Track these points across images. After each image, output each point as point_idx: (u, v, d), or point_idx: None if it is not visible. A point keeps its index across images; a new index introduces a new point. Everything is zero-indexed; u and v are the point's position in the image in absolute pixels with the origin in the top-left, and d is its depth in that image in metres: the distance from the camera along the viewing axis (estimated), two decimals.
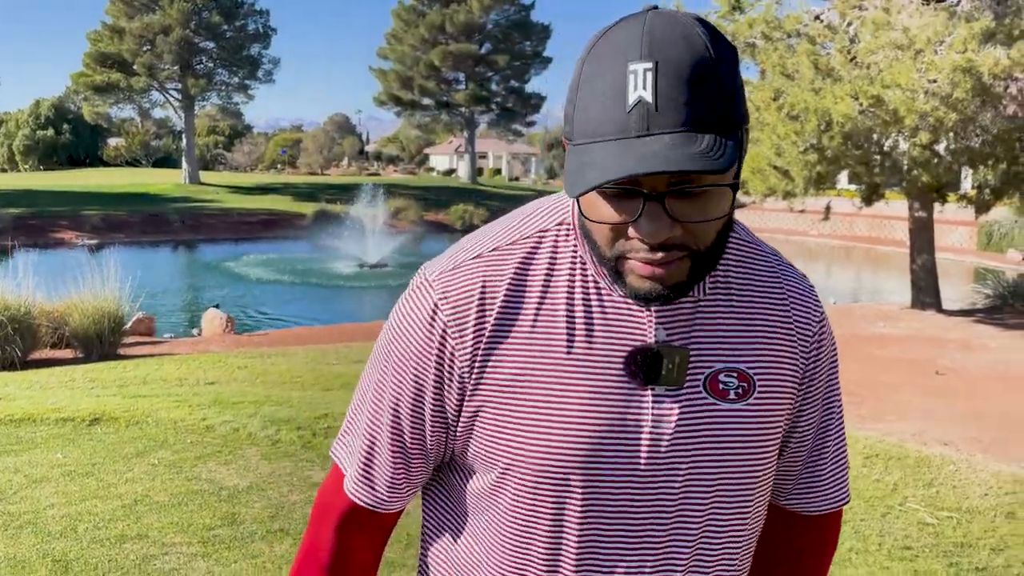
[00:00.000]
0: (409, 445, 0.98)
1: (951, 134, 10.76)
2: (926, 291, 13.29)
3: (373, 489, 1.01)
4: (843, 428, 1.10)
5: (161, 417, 5.88)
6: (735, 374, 0.95)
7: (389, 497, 1.02)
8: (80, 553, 3.73)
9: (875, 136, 11.30)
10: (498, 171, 67.08)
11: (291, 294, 18.62)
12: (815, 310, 1.03)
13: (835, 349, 1.07)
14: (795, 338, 1.01)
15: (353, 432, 1.03)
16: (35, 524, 4.05)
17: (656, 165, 0.80)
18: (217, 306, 15.45)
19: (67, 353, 10.44)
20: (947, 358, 9.88)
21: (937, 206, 13.09)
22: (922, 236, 13.14)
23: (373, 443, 1.00)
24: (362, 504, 1.02)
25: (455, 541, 1.04)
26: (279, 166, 68.17)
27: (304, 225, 31.63)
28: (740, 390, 0.95)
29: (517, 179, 62.81)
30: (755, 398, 0.96)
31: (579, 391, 0.92)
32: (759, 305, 0.99)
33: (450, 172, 63.40)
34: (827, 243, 28.15)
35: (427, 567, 1.09)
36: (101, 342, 10.35)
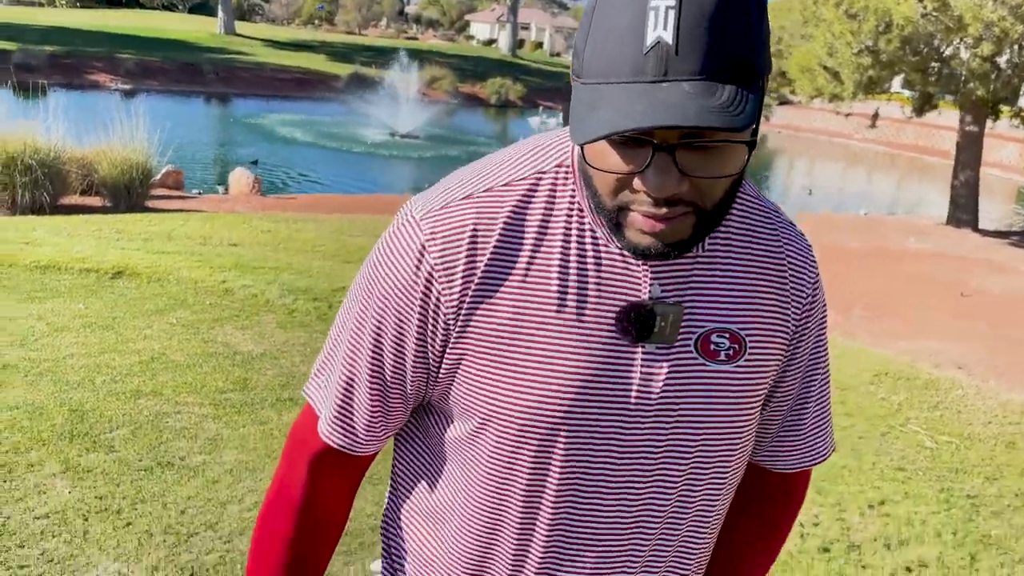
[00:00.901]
0: (389, 385, 0.95)
1: (1015, 47, 10.19)
2: (964, 208, 12.96)
3: (349, 431, 0.98)
4: (827, 390, 1.08)
5: (182, 276, 5.97)
6: (727, 335, 0.93)
7: (366, 439, 0.99)
8: (96, 404, 3.87)
9: (935, 42, 10.74)
10: (540, 45, 64.95)
11: (319, 157, 18.49)
12: (810, 271, 1.00)
13: (825, 311, 1.04)
14: (789, 300, 0.98)
15: (329, 370, 1.00)
16: (54, 372, 4.19)
17: (670, 118, 0.74)
18: (255, 162, 15.46)
19: (96, 201, 10.55)
20: (975, 279, 9.72)
21: (989, 121, 12.57)
22: (969, 151, 12.69)
23: (351, 382, 0.96)
24: (337, 447, 0.99)
25: (428, 487, 1.02)
26: (316, 22, 66.52)
27: (338, 87, 31.09)
28: (731, 351, 0.93)
29: (559, 55, 60.86)
30: (744, 360, 0.94)
31: (567, 345, 0.89)
32: (757, 265, 0.96)
33: (490, 42, 61.49)
34: (871, 148, 27.33)
35: (397, 512, 1.07)
36: (129, 193, 10.43)
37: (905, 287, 9.13)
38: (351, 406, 0.97)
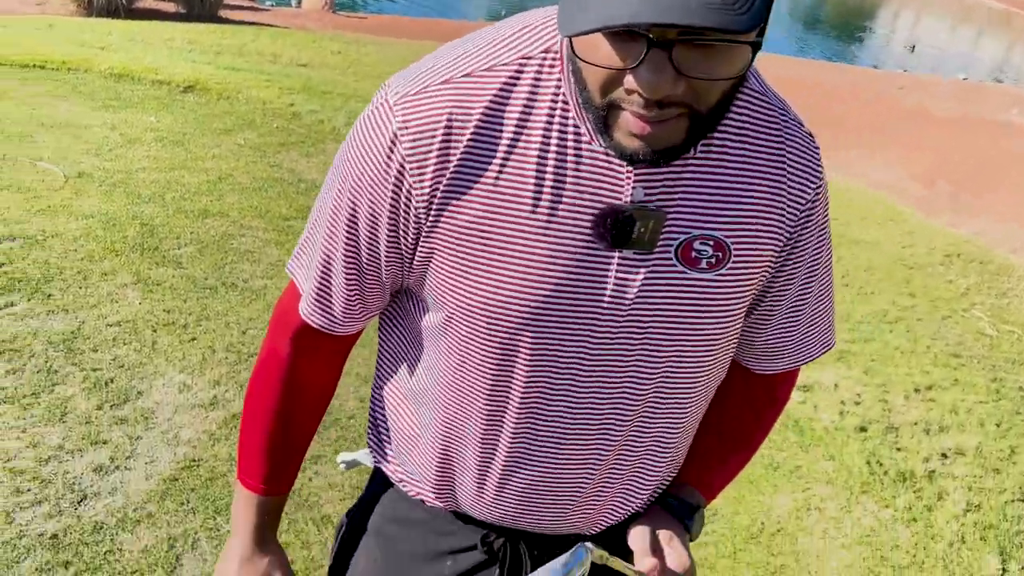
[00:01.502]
0: (365, 270, 0.93)
1: None
2: None
3: (327, 312, 0.97)
4: (826, 296, 1.02)
5: (251, 95, 5.97)
6: (711, 242, 0.88)
7: (344, 320, 0.98)
8: (166, 220, 4.00)
9: None
10: None
11: None
12: (813, 176, 0.93)
13: (827, 217, 0.97)
14: (784, 206, 0.91)
15: (311, 251, 0.97)
16: (127, 185, 4.31)
17: (670, 15, 0.67)
18: None
19: (170, 6, 10.45)
20: None
21: None
22: None
23: (329, 265, 0.95)
24: (316, 326, 0.99)
25: (408, 369, 1.02)
26: None
27: None
28: (713, 259, 0.88)
29: None
30: (727, 268, 0.89)
31: (539, 245, 0.85)
32: (751, 168, 0.89)
33: None
34: (986, 4, 25.09)
35: (381, 388, 1.08)
36: (203, 1, 10.29)
37: (999, 163, 8.63)
38: (329, 288, 0.96)
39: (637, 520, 1.03)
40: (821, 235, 0.97)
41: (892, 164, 8.09)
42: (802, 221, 0.93)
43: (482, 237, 0.85)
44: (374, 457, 1.11)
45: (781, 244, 0.92)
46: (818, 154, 0.94)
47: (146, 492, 2.41)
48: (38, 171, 4.34)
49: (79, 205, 4.01)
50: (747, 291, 0.92)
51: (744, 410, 1.11)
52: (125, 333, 3.10)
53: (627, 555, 1.01)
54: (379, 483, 1.13)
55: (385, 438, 1.09)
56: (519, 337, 0.88)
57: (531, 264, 0.85)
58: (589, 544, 0.95)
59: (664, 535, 1.00)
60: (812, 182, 0.92)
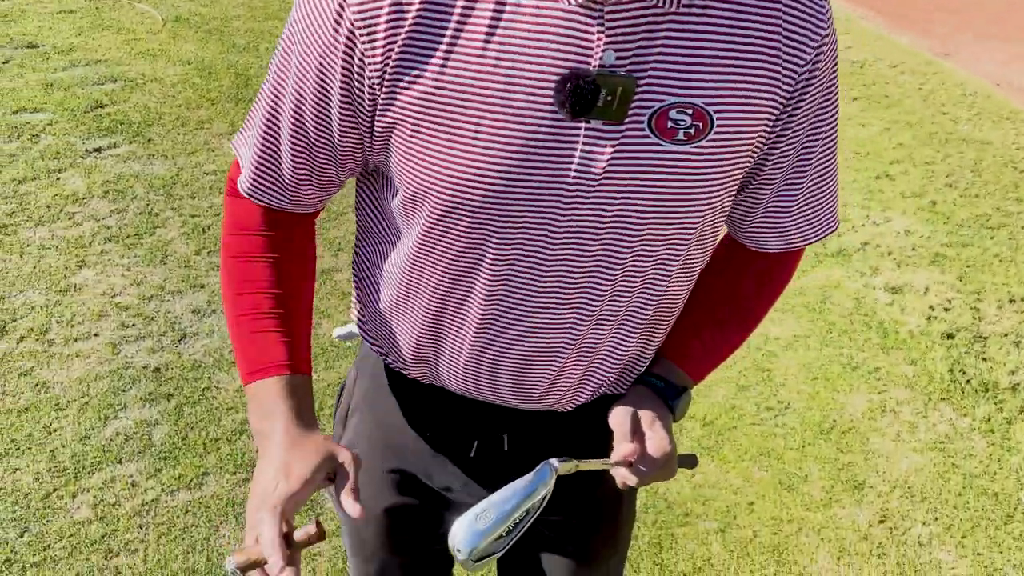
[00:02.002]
0: (314, 146, 0.87)
1: None
2: None
3: (269, 188, 0.91)
4: (828, 168, 0.93)
5: None
6: (690, 111, 0.79)
7: (289, 197, 0.91)
8: (259, 71, 4.01)
9: None
10: None
11: None
12: (815, 31, 0.81)
13: (834, 79, 0.86)
14: (779, 68, 0.81)
15: (254, 124, 0.90)
16: (222, 32, 4.32)
17: None
18: None
19: None
20: None
21: None
22: None
23: (273, 138, 0.88)
24: (260, 204, 0.92)
25: (380, 248, 0.97)
26: None
27: None
28: (692, 130, 0.79)
29: None
30: (709, 140, 0.80)
31: (499, 117, 0.78)
32: (739, 24, 0.79)
33: None
34: None
35: (359, 267, 1.04)
36: None
37: None
38: (272, 161, 0.89)
39: (620, 400, 0.99)
40: (824, 102, 0.86)
41: (1016, 59, 7.50)
42: (801, 86, 0.83)
43: (439, 108, 0.78)
44: (360, 330, 1.08)
45: (775, 113, 0.83)
46: (824, 6, 0.82)
47: None
48: (138, 13, 4.37)
49: (176, 50, 4.04)
50: (732, 166, 0.84)
51: (738, 289, 1.04)
52: (220, 183, 3.18)
53: (606, 440, 0.98)
54: (366, 354, 1.12)
55: (365, 312, 1.05)
56: (481, 214, 0.82)
57: (490, 136, 0.78)
58: (554, 461, 0.93)
59: (646, 418, 0.96)
60: (813, 38, 0.81)
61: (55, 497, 2.01)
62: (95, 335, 2.46)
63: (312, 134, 0.85)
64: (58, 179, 3.06)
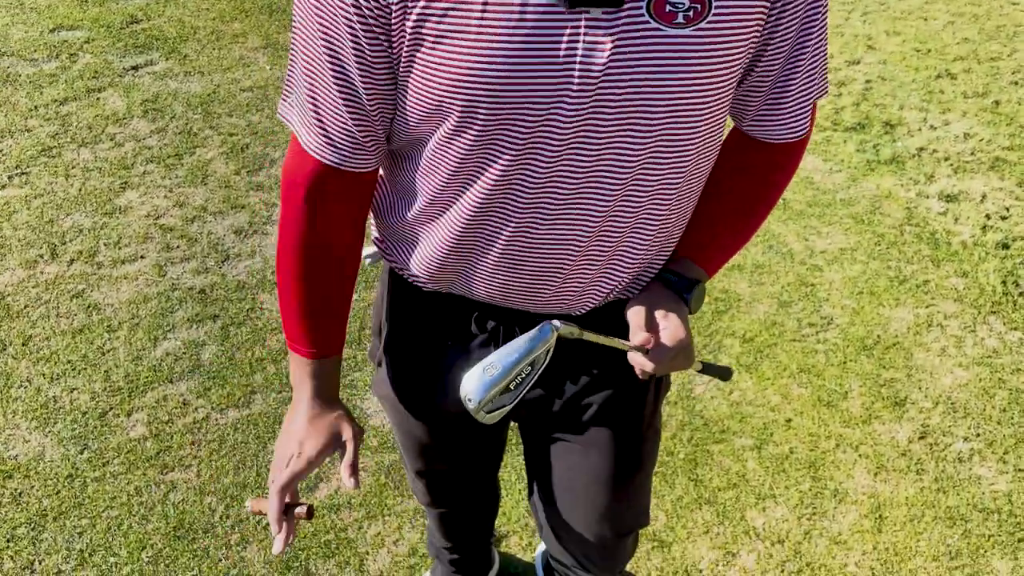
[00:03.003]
0: (360, 89, 0.87)
1: None
2: None
3: (333, 145, 0.92)
4: (820, 52, 0.94)
5: None
6: None
7: (352, 151, 0.92)
8: None
9: None
10: None
11: None
12: None
13: None
14: None
15: (298, 88, 0.92)
16: None
17: None
18: None
19: None
20: None
21: None
22: None
23: (318, 96, 0.89)
24: (328, 163, 0.93)
25: (394, 165, 0.99)
26: None
27: None
28: (691, 12, 0.80)
29: None
30: (708, 22, 0.81)
31: (500, 13, 0.78)
32: None
33: None
34: None
35: (374, 208, 1.06)
36: None
37: None
38: (328, 120, 0.91)
39: (635, 296, 1.02)
40: None
41: None
42: None
43: (444, 10, 0.79)
44: (377, 247, 1.12)
45: None
46: None
47: None
48: None
49: None
50: (733, 51, 0.84)
51: (747, 181, 1.05)
52: (257, 99, 3.16)
53: (622, 333, 1.01)
54: (387, 272, 1.16)
55: (382, 228, 1.08)
56: (492, 114, 0.83)
57: (493, 35, 0.79)
58: (556, 322, 0.94)
59: (660, 311, 0.99)
60: None
61: (111, 415, 2.11)
62: (141, 257, 2.51)
63: (353, 75, 0.86)
64: (98, 99, 3.08)
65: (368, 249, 1.21)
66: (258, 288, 2.47)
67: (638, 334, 0.98)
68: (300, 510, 1.02)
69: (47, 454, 2.02)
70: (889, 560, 2.03)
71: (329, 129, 0.91)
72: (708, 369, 1.24)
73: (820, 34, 0.91)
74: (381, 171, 1.03)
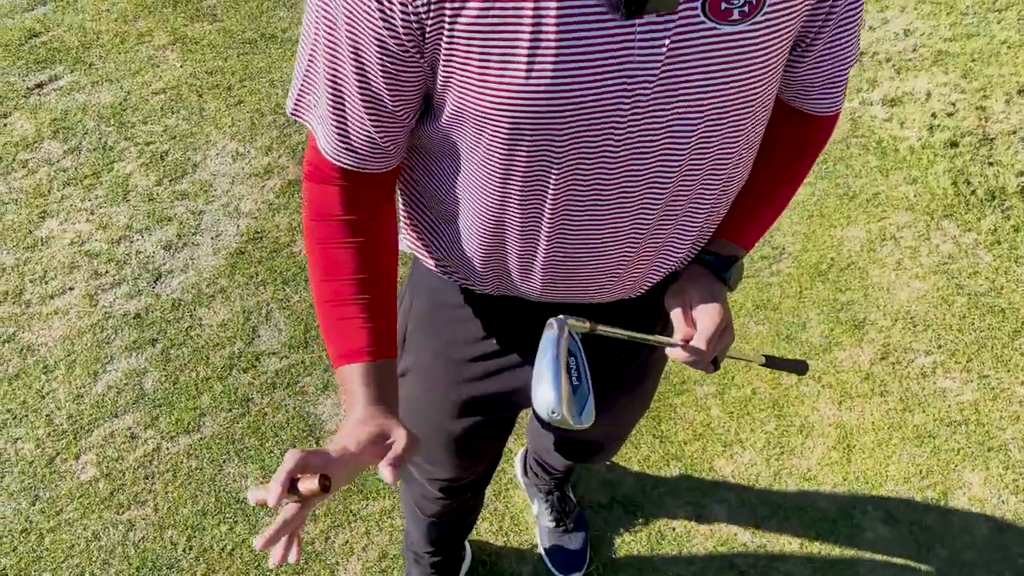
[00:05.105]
0: (382, 93, 0.84)
1: None
2: None
3: (347, 149, 0.90)
4: (857, 24, 0.93)
5: None
6: None
7: (370, 155, 0.90)
8: None
9: None
10: None
11: None
12: None
13: None
14: None
15: (313, 87, 0.88)
16: None
17: None
18: None
19: None
20: None
21: None
22: None
23: (340, 98, 0.85)
24: (348, 167, 0.91)
25: (436, 175, 0.96)
26: None
27: None
28: (746, 7, 0.78)
29: None
30: (763, 15, 0.79)
31: (551, 29, 0.75)
32: None
33: None
34: None
35: (410, 196, 1.04)
36: None
37: None
38: (348, 122, 0.88)
39: (673, 284, 1.03)
40: None
41: None
42: None
43: (491, 28, 0.76)
44: (411, 248, 1.10)
45: None
46: None
47: (215, 267, 2.49)
48: None
49: None
50: (787, 35, 0.83)
51: (780, 156, 1.05)
52: (171, 101, 3.03)
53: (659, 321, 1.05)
54: (423, 274, 1.14)
55: (421, 235, 1.07)
56: (542, 133, 0.81)
57: (544, 50, 0.76)
58: (561, 317, 0.94)
59: (697, 303, 1.00)
60: None
61: (59, 461, 2.06)
62: (70, 289, 2.43)
63: (378, 84, 0.83)
64: (5, 125, 2.95)
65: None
66: (195, 304, 2.40)
67: (679, 329, 0.99)
68: (310, 481, 0.81)
69: None
70: (860, 489, 2.03)
71: (352, 137, 0.88)
72: (774, 363, 1.21)
73: (858, 8, 0.91)
74: (420, 182, 1.00)
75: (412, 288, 1.18)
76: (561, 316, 0.95)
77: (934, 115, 3.07)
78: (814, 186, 2.76)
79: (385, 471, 0.84)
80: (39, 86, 3.10)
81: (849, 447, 2.11)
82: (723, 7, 0.77)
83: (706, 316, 0.99)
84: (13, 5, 3.50)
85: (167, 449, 2.08)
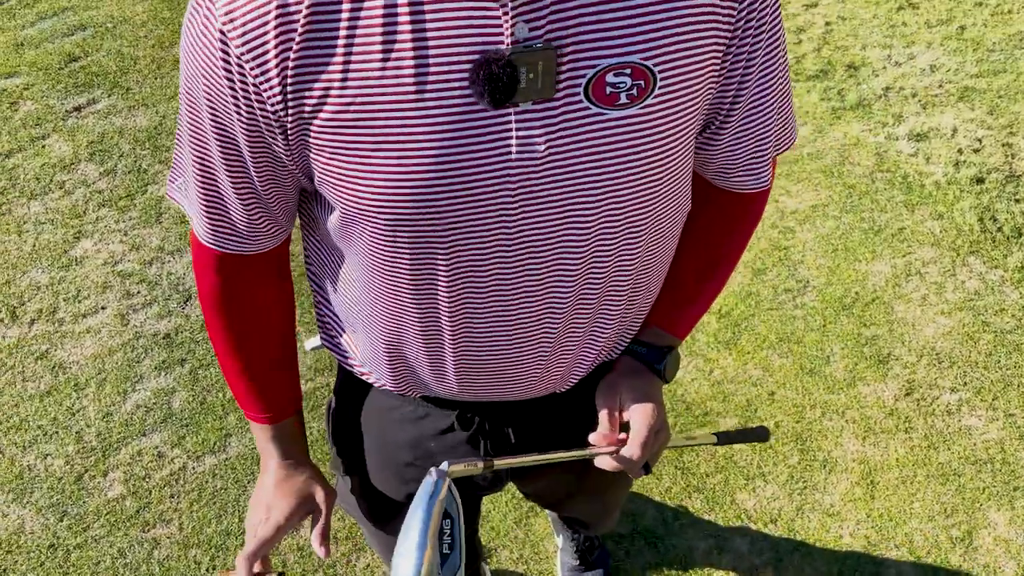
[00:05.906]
0: (256, 177, 0.81)
1: None
2: None
3: (228, 234, 0.87)
4: (785, 95, 0.87)
5: None
6: (628, 70, 0.72)
7: (251, 238, 0.87)
8: None
9: None
10: None
11: None
12: None
13: (776, 10, 0.79)
14: (715, 6, 0.74)
15: (185, 172, 0.86)
16: None
17: None
18: None
19: None
20: None
21: None
22: None
23: (206, 182, 0.83)
24: (225, 251, 0.89)
25: (332, 276, 0.93)
26: None
27: None
28: (635, 91, 0.73)
29: None
30: (656, 96, 0.74)
31: (418, 119, 0.71)
32: None
33: None
34: None
35: (318, 291, 1.01)
36: None
37: None
38: (221, 206, 0.85)
39: (605, 378, 0.97)
40: (772, 28, 0.79)
41: None
42: (742, 22, 0.76)
43: (353, 125, 0.72)
44: (331, 351, 1.07)
45: (723, 48, 0.76)
46: None
47: None
48: None
49: None
50: (685, 120, 0.77)
51: (710, 239, 0.99)
52: None
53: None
54: (344, 380, 1.10)
55: (334, 334, 1.03)
56: (425, 224, 0.76)
57: (415, 144, 0.71)
58: (444, 465, 0.89)
59: (628, 404, 0.94)
60: None
61: (87, 478, 2.09)
62: (102, 308, 2.48)
63: (252, 169, 0.80)
64: (43, 146, 3.02)
65: (313, 341, 1.16)
66: None
67: (601, 435, 0.93)
68: None
69: (27, 526, 2.00)
70: (884, 526, 2.01)
71: (228, 218, 0.85)
72: (729, 437, 1.15)
73: (778, 82, 0.84)
74: (323, 277, 0.97)
75: (337, 393, 1.14)
76: (444, 464, 0.89)
77: (960, 151, 3.07)
78: (839, 220, 2.76)
79: (320, 551, 1.00)
80: (77, 109, 3.18)
81: (873, 483, 2.09)
82: (608, 91, 0.72)
83: (639, 418, 0.92)
84: (54, 30, 3.60)
85: (193, 468, 2.11)
